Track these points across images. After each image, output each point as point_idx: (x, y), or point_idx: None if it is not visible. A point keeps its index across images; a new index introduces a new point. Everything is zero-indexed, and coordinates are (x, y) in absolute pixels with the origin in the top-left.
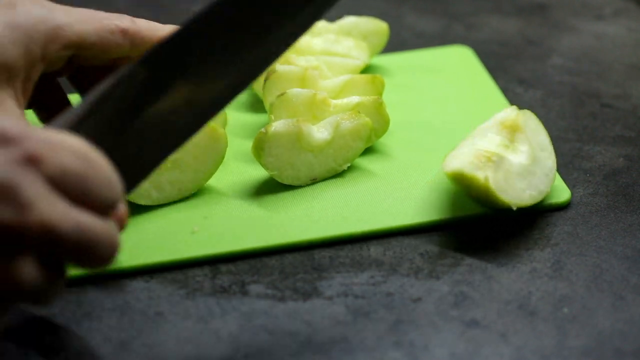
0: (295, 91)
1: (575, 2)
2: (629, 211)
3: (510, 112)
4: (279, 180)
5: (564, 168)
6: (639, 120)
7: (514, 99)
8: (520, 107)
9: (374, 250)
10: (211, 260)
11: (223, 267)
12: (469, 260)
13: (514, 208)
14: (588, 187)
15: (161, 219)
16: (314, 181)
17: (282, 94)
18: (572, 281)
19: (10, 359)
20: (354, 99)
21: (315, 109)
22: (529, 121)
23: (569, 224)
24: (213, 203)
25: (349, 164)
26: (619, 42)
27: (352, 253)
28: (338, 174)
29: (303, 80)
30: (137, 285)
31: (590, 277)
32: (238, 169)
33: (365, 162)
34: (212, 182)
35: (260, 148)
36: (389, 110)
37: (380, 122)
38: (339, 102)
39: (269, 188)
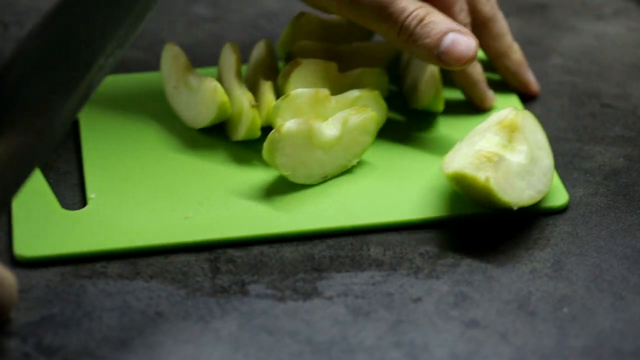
0: (298, 91)
1: (575, 2)
2: (629, 211)
3: (509, 112)
4: (293, 180)
5: (564, 168)
6: (639, 120)
7: None
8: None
9: (374, 250)
10: (203, 247)
11: (223, 267)
12: (469, 260)
13: (515, 208)
14: (588, 187)
15: (152, 204)
16: (325, 178)
17: (285, 96)
18: (572, 281)
19: (10, 359)
20: (354, 93)
21: (318, 107)
22: (527, 121)
23: (569, 224)
24: (208, 192)
25: (358, 159)
26: (619, 42)
27: (352, 253)
28: (347, 170)
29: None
30: (137, 285)
31: (590, 277)
32: (238, 174)
33: (369, 156)
34: (207, 177)
35: (274, 149)
36: (395, 104)
37: (379, 113)
38: (339, 97)
39: (268, 184)
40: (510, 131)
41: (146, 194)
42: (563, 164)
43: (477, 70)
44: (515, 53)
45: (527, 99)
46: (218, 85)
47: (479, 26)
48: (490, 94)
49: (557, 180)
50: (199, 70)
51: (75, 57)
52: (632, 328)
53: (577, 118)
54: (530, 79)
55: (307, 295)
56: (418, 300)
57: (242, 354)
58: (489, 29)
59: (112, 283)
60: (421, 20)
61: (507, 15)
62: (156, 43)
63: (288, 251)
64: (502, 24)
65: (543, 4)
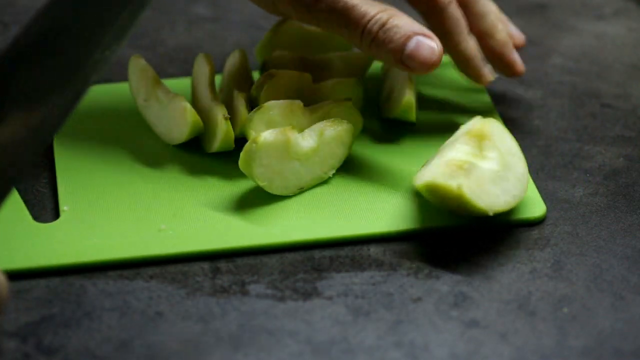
0: (271, 103)
1: (575, 2)
2: (629, 211)
3: (476, 122)
4: (269, 191)
5: (564, 168)
6: (639, 120)
7: (515, 99)
8: (521, 107)
9: (374, 250)
10: (177, 260)
11: (223, 267)
12: (469, 260)
13: (491, 213)
14: (588, 187)
15: (125, 216)
16: (301, 190)
17: (258, 108)
18: (572, 281)
19: (10, 359)
20: (327, 104)
21: (291, 118)
22: (495, 128)
23: (569, 224)
24: (183, 204)
25: (334, 171)
26: (619, 42)
27: (352, 253)
28: (323, 182)
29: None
30: (137, 285)
31: (590, 277)
32: (213, 185)
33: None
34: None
35: (251, 159)
36: (371, 115)
37: (353, 123)
38: (312, 108)
39: (241, 195)
40: (480, 140)
41: (119, 205)
42: (563, 164)
43: (470, 45)
44: (500, 33)
45: (527, 99)
46: (188, 105)
47: (462, 6)
48: (487, 69)
49: (534, 192)
50: (172, 81)
51: (70, 52)
52: (632, 328)
53: (577, 118)
54: (516, 59)
55: (307, 295)
56: (418, 300)
57: (242, 354)
58: (470, 8)
59: (112, 283)
60: (383, 25)
61: (507, 15)
62: (156, 43)
63: (288, 251)
64: (484, 3)
65: (543, 4)
